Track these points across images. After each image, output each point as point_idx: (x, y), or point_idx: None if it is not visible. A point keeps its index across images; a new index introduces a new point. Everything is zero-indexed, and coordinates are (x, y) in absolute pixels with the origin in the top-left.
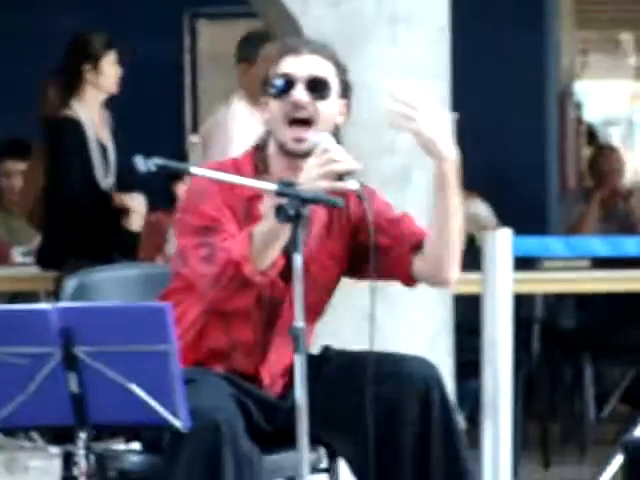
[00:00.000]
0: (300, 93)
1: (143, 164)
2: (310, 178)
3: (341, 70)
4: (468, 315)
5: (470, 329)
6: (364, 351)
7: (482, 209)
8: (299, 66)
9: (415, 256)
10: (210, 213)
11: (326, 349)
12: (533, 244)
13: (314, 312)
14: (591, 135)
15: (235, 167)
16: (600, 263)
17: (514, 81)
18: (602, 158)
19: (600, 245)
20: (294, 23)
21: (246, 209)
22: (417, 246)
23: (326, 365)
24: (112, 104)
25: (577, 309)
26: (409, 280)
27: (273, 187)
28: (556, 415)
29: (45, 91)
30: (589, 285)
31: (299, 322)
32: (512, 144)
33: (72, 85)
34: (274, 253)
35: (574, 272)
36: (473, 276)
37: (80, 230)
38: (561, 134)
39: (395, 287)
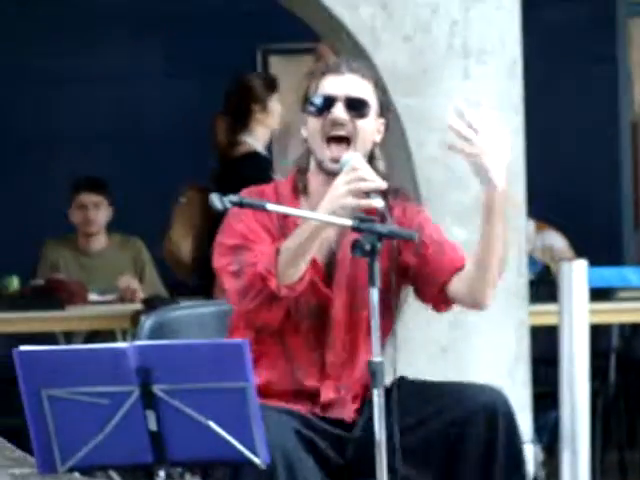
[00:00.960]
0: (339, 111)
1: (219, 202)
2: (337, 195)
3: (380, 90)
4: (545, 346)
5: (547, 360)
6: (436, 381)
7: (558, 240)
8: (339, 85)
9: (452, 280)
10: (242, 232)
11: (401, 379)
12: (609, 275)
13: (368, 322)
14: None
15: (275, 191)
16: None
17: (587, 112)
18: None
19: None
20: (367, 59)
21: (281, 226)
22: (454, 273)
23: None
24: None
25: None
26: (440, 305)
27: (349, 223)
28: (634, 444)
29: (215, 129)
30: None
31: (377, 357)
32: (587, 175)
33: (242, 123)
34: (301, 268)
35: None
36: (550, 307)
37: None
38: (635, 164)
39: (472, 317)
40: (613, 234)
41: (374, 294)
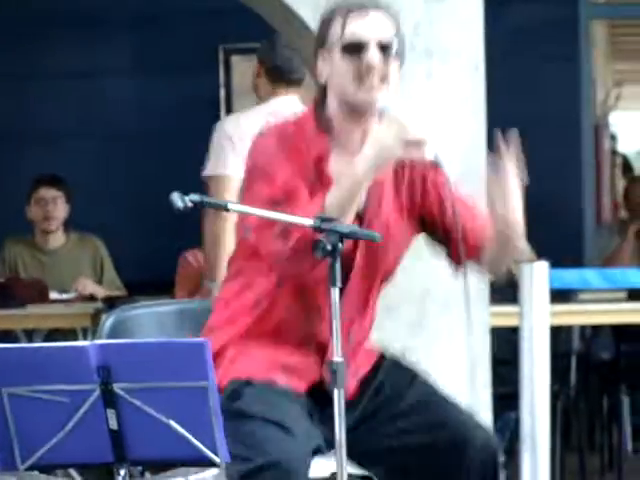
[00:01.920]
0: (373, 54)
1: (180, 200)
2: (385, 146)
3: (399, 30)
4: (506, 347)
5: (508, 361)
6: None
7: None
8: (369, 27)
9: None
10: (281, 183)
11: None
12: (570, 276)
13: (386, 272)
14: (626, 166)
15: (301, 127)
16: (637, 295)
17: (550, 114)
18: (637, 189)
19: (636, 277)
20: None
21: (315, 172)
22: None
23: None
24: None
25: (614, 341)
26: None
27: (309, 222)
28: (594, 447)
29: None
30: (626, 317)
31: (338, 357)
32: (548, 177)
33: None
34: (347, 220)
35: (611, 304)
36: (510, 309)
37: None
38: (597, 166)
39: (432, 321)
40: (574, 236)
41: (335, 294)
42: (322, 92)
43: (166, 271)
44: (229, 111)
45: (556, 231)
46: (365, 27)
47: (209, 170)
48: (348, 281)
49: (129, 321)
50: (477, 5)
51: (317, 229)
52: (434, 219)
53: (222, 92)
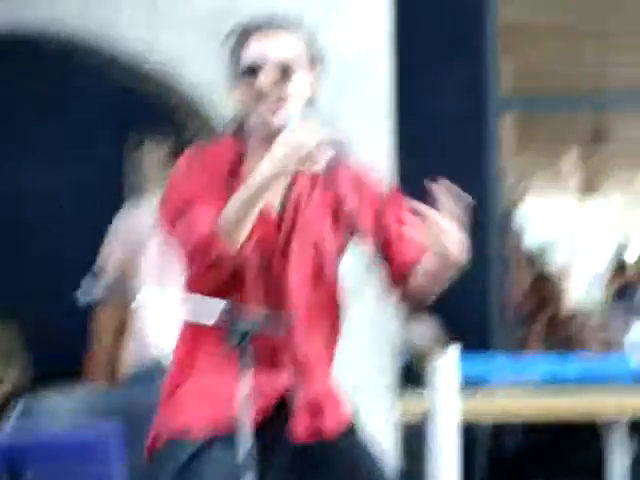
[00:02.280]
0: (267, 76)
1: (86, 294)
2: (282, 154)
3: (309, 42)
4: (414, 440)
5: (416, 453)
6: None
7: (430, 330)
8: (266, 47)
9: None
10: (189, 190)
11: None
12: (479, 361)
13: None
14: (532, 259)
15: (218, 149)
16: (543, 388)
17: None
18: (544, 281)
19: (544, 362)
20: None
21: (230, 185)
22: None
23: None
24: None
25: (523, 432)
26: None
27: (221, 307)
28: None
29: None
30: (534, 410)
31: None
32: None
33: None
34: (247, 228)
35: (519, 397)
36: (419, 397)
37: None
38: (504, 257)
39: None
40: (481, 328)
41: (246, 387)
42: (240, 117)
43: (76, 354)
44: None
45: (464, 323)
46: (262, 47)
47: None
48: (286, 293)
49: (39, 408)
50: (387, 95)
51: (221, 324)
52: (368, 233)
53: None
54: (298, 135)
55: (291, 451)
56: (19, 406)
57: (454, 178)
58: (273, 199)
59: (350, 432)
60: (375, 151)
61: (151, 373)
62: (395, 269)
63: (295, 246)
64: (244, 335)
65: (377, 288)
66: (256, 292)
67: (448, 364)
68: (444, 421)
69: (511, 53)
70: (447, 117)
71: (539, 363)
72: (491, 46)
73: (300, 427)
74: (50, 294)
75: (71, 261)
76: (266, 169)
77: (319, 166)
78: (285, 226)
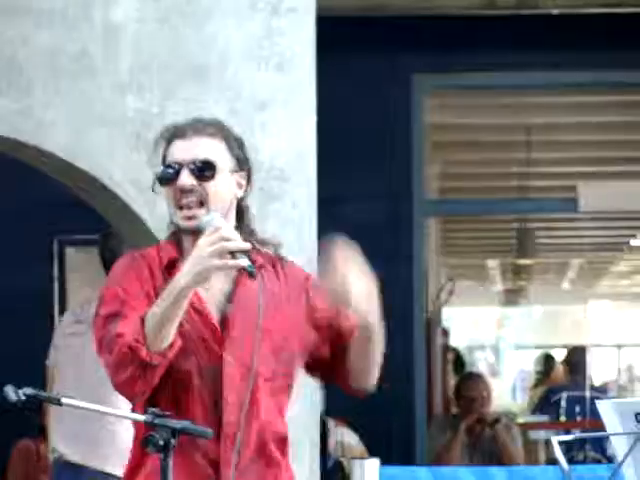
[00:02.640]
0: (185, 178)
1: (14, 394)
2: (202, 256)
3: (233, 145)
4: None
5: None
6: None
7: (351, 437)
8: (184, 151)
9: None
10: (118, 298)
11: None
12: (401, 473)
13: (279, 384)
14: (458, 361)
15: (158, 252)
16: None
17: (383, 309)
18: (468, 385)
19: (467, 475)
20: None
21: (166, 279)
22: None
23: None
24: None
25: None
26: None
27: (142, 418)
28: None
29: None
30: None
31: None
32: (381, 370)
33: None
34: (170, 333)
35: None
36: None
37: None
38: (428, 360)
39: None
40: (405, 431)
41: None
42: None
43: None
44: (62, 303)
45: (387, 427)
46: (180, 151)
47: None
48: (224, 394)
49: None
50: (310, 203)
51: (149, 424)
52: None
53: (56, 285)
54: (222, 233)
55: None
56: None
57: (379, 277)
58: (213, 296)
59: None
60: (299, 251)
61: None
62: (345, 336)
63: (230, 348)
64: (164, 445)
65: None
66: (199, 393)
67: (370, 471)
68: None
69: (437, 155)
70: (374, 220)
71: (461, 471)
72: (418, 148)
73: None
74: None
75: None
76: (182, 279)
77: (243, 264)
78: (231, 321)
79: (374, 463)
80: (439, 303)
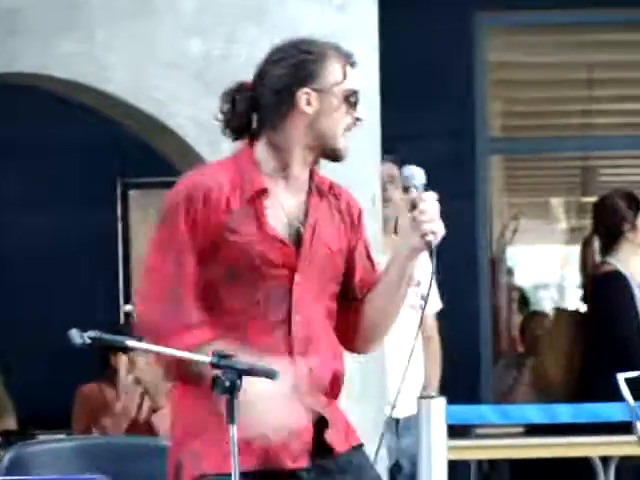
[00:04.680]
0: (362, 110)
1: (78, 337)
2: (410, 234)
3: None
4: None
5: None
6: None
7: None
8: (359, 79)
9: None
10: (180, 235)
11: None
12: (466, 412)
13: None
14: (523, 300)
15: (236, 166)
16: (533, 430)
17: (446, 248)
18: (534, 324)
19: (533, 412)
20: None
21: (253, 210)
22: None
23: None
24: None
25: (511, 476)
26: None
27: (207, 359)
28: None
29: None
30: (523, 452)
31: None
32: (444, 310)
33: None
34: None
35: (507, 439)
36: None
37: None
38: (493, 300)
39: None
40: (471, 370)
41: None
42: (289, 126)
43: (64, 404)
44: (126, 246)
45: (453, 367)
46: (358, 80)
47: None
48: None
49: (28, 457)
50: (374, 140)
51: (215, 366)
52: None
53: (119, 226)
54: (427, 213)
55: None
56: (7, 457)
57: (443, 219)
58: (281, 221)
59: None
60: (363, 185)
61: None
62: (357, 284)
63: (311, 265)
64: (230, 387)
65: None
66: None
67: (437, 410)
68: (433, 464)
69: (499, 93)
70: (435, 159)
71: (528, 409)
72: (480, 85)
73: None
74: (37, 344)
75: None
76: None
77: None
78: (304, 248)
79: (441, 402)
80: (503, 242)
